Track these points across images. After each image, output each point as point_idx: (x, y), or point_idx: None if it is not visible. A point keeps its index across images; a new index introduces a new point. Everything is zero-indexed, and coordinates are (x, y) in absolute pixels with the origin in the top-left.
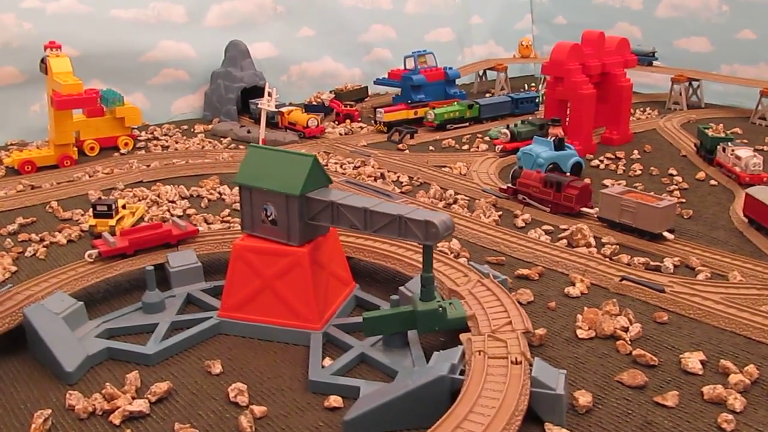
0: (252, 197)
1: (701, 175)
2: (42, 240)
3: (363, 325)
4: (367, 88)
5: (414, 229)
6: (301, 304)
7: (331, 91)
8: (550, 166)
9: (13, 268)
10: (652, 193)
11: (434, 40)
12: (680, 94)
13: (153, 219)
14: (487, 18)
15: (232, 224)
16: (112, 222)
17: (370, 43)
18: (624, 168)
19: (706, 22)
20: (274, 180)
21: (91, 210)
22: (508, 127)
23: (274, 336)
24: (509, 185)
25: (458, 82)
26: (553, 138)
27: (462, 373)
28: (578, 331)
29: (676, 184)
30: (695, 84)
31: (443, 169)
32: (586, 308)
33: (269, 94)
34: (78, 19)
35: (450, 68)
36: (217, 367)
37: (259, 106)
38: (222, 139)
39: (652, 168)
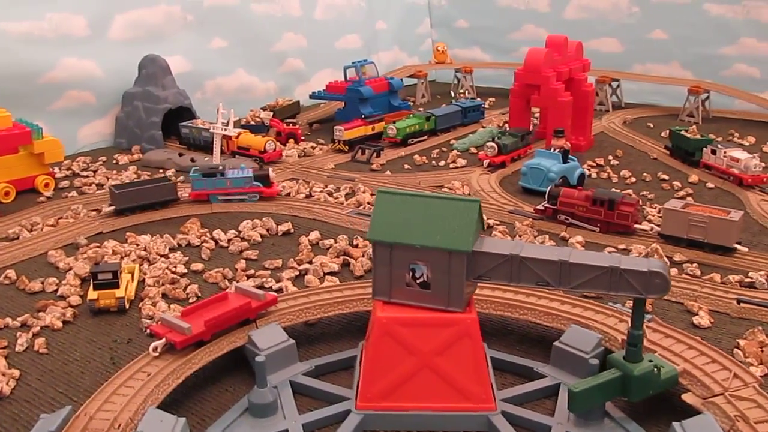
0: (393, 256)
1: (694, 178)
2: (26, 326)
3: (572, 400)
4: (299, 102)
5: (632, 281)
6: (470, 382)
7: (263, 108)
8: (560, 180)
9: (15, 372)
10: (709, 205)
11: (344, 47)
12: (606, 95)
13: (161, 281)
14: (391, 23)
15: (265, 280)
16: (120, 293)
17: (283, 53)
18: (616, 175)
19: (617, 23)
20: (428, 233)
21: (86, 279)
22: (494, 139)
23: (439, 425)
24: (546, 205)
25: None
26: (559, 150)
27: None
28: (751, 369)
29: (677, 190)
30: (614, 84)
31: (442, 189)
32: (740, 341)
33: (224, 116)
34: None
35: (392, 78)
36: None
37: (212, 130)
38: (162, 171)
39: (644, 174)
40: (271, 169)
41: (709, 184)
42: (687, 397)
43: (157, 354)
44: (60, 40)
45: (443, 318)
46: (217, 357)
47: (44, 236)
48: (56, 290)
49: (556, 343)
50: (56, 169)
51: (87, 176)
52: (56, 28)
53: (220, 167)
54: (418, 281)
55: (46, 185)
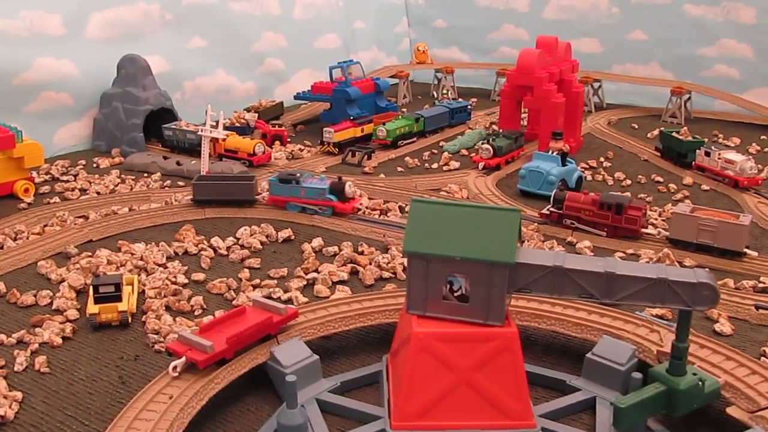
0: (429, 268)
1: (688, 180)
2: (23, 343)
3: (618, 416)
4: (282, 103)
5: (680, 293)
6: (510, 398)
7: (246, 109)
8: (560, 183)
9: (17, 395)
10: (717, 209)
11: (323, 47)
12: (588, 96)
13: (163, 292)
14: (369, 22)
15: (272, 290)
16: (122, 306)
17: (262, 53)
18: (611, 178)
19: (596, 24)
20: (468, 244)
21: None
22: (488, 141)
23: None
24: (551, 209)
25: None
26: (558, 152)
27: None
28: None
29: (673, 192)
30: (596, 85)
31: (440, 193)
32: (766, 349)
33: (213, 118)
34: None
35: (378, 78)
36: None
37: (200, 133)
38: (148, 175)
39: (639, 176)
40: (349, 183)
41: (704, 186)
42: (732, 411)
43: (176, 374)
44: (35, 39)
45: (483, 332)
46: (238, 377)
47: (31, 245)
48: (51, 303)
49: (588, 355)
50: (34, 174)
51: (68, 181)
52: (31, 27)
53: (297, 174)
54: (455, 294)
55: (26, 191)
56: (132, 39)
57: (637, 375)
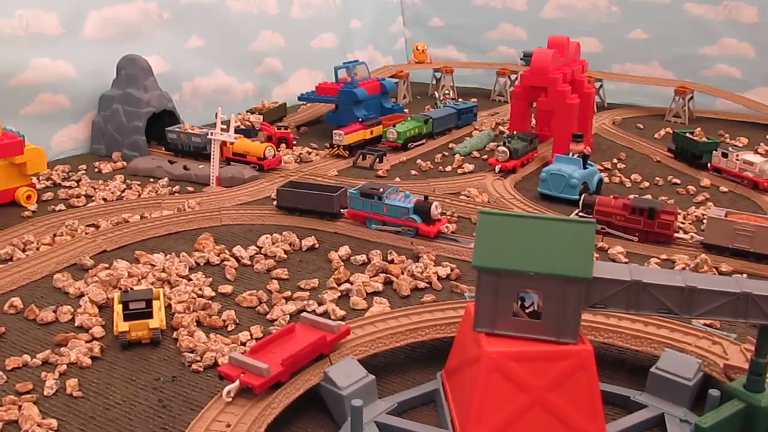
0: (499, 284)
1: (706, 182)
2: (49, 363)
3: None
4: (285, 105)
5: (764, 307)
6: (585, 419)
7: (251, 111)
8: (581, 186)
9: (52, 422)
10: (752, 213)
11: (320, 46)
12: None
13: (192, 306)
14: (366, 21)
15: (306, 303)
16: (153, 323)
17: (260, 52)
18: (628, 180)
19: (596, 23)
20: (542, 258)
21: (119, 308)
22: (503, 144)
23: None
24: (581, 214)
25: None
26: (579, 155)
27: None
28: None
29: (693, 194)
30: (597, 84)
31: (459, 196)
32: None
33: (224, 122)
34: None
35: (383, 79)
36: None
37: (211, 136)
38: (154, 180)
39: (656, 178)
40: (436, 204)
41: (723, 188)
42: None
43: (230, 399)
44: (31, 39)
45: (557, 350)
46: (293, 400)
47: (42, 256)
48: (72, 320)
49: (652, 369)
50: (34, 180)
51: (70, 187)
52: (27, 26)
53: (380, 189)
54: (526, 311)
55: (28, 198)
56: (130, 38)
57: (715, 392)
